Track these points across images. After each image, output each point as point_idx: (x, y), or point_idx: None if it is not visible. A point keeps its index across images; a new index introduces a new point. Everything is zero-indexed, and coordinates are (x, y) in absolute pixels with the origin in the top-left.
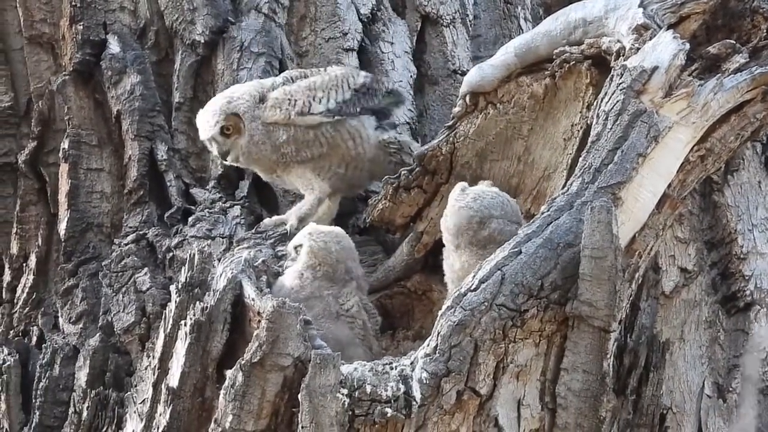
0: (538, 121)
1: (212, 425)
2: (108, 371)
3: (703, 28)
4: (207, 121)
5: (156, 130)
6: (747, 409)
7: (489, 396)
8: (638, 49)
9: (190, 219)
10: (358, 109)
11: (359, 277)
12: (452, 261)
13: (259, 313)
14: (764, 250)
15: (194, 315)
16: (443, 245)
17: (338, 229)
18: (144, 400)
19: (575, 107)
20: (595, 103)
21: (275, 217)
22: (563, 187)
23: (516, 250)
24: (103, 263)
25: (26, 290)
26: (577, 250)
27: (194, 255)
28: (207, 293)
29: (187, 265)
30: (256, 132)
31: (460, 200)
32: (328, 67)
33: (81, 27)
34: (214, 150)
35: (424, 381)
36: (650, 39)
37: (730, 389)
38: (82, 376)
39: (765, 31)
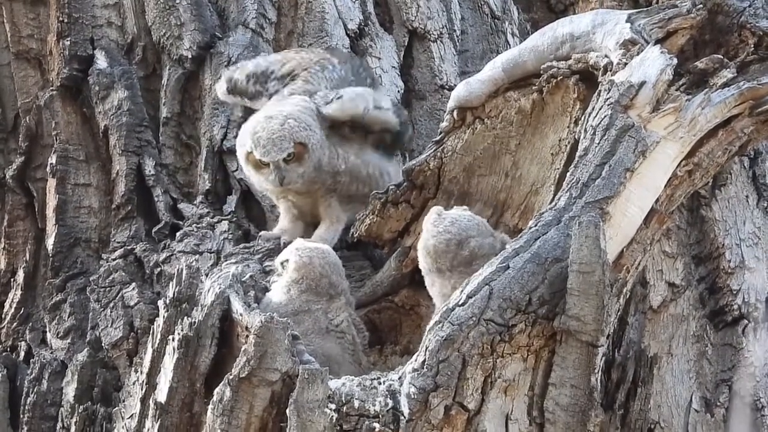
0: (526, 136)
1: None
2: (96, 386)
3: (690, 43)
4: (275, 145)
5: (143, 145)
6: (738, 427)
7: (477, 411)
8: (626, 64)
9: (177, 234)
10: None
11: (345, 291)
12: (439, 287)
13: (247, 328)
14: (752, 264)
15: (182, 330)
16: None
17: (325, 246)
18: (132, 415)
19: (563, 122)
20: (582, 118)
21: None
22: (551, 202)
23: (504, 265)
24: (91, 278)
25: (14, 305)
26: (564, 265)
27: (182, 270)
28: (195, 308)
29: (174, 280)
30: (323, 156)
31: (438, 225)
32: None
33: (68, 42)
34: (271, 175)
35: (412, 396)
36: (638, 54)
37: (718, 404)
38: (70, 391)
39: (752, 46)
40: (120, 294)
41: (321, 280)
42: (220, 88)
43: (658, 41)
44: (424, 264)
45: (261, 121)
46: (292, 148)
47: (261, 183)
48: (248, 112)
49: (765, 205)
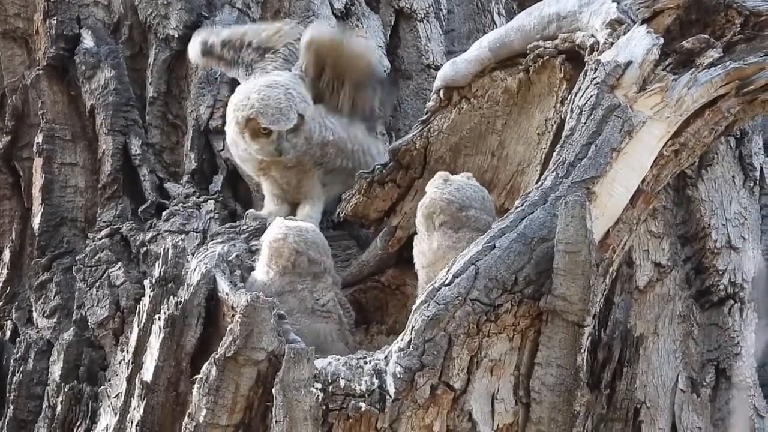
0: (512, 116)
1: (186, 419)
2: (82, 365)
3: (677, 23)
4: (283, 114)
5: (130, 125)
6: (739, 416)
7: (463, 390)
8: (612, 43)
9: (164, 213)
10: None
11: (330, 270)
12: (423, 246)
13: (233, 307)
14: (738, 244)
15: (168, 309)
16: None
17: (305, 224)
18: (118, 394)
19: (549, 102)
20: (568, 98)
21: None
22: (537, 182)
23: (490, 244)
24: (77, 258)
25: (0, 285)
26: (551, 245)
27: (168, 249)
28: (181, 288)
29: (161, 259)
30: (314, 127)
31: (442, 188)
32: None
33: (55, 22)
34: (271, 145)
35: (398, 375)
36: (624, 34)
37: (704, 383)
38: (56, 371)
39: (739, 26)
40: (106, 273)
41: (297, 259)
42: (194, 50)
43: (644, 21)
44: (418, 221)
45: (264, 90)
46: (296, 119)
47: (247, 158)
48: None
49: (751, 185)
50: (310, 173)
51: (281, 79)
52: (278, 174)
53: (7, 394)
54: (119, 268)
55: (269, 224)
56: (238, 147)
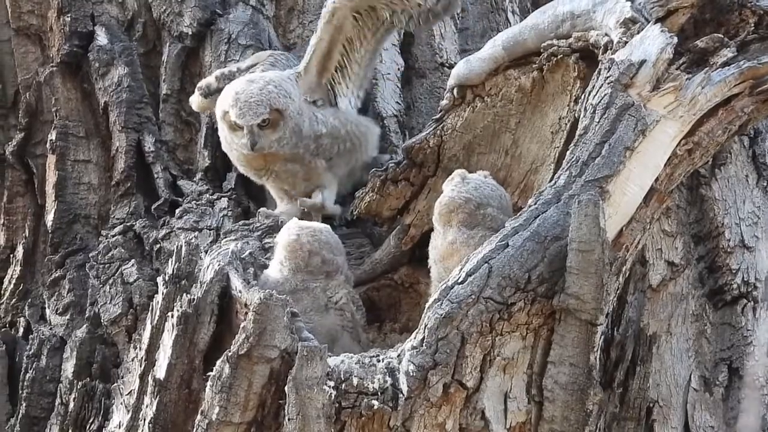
0: (526, 115)
1: (199, 417)
2: (95, 362)
3: (690, 22)
4: (251, 109)
5: (143, 122)
6: (749, 415)
7: (476, 389)
8: (626, 42)
9: (177, 211)
10: None
11: (344, 269)
12: (438, 241)
13: (246, 305)
14: (751, 243)
15: (181, 307)
16: (430, 238)
17: (319, 224)
18: (131, 391)
19: (563, 100)
20: (582, 97)
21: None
22: (550, 181)
23: (503, 243)
24: (90, 255)
25: (13, 281)
26: (564, 244)
27: (181, 247)
28: (194, 285)
29: (174, 256)
30: (302, 122)
31: (460, 186)
32: None
33: (69, 18)
34: (244, 138)
35: (411, 373)
36: (638, 33)
37: (717, 382)
38: (68, 367)
39: (753, 25)
40: (119, 270)
41: (311, 259)
42: (195, 101)
43: (658, 20)
44: (435, 219)
45: (242, 84)
46: (267, 114)
47: (241, 160)
48: None
49: (764, 184)
50: (311, 164)
51: (267, 74)
52: (280, 169)
53: (20, 391)
54: (132, 266)
55: (282, 223)
56: (229, 145)
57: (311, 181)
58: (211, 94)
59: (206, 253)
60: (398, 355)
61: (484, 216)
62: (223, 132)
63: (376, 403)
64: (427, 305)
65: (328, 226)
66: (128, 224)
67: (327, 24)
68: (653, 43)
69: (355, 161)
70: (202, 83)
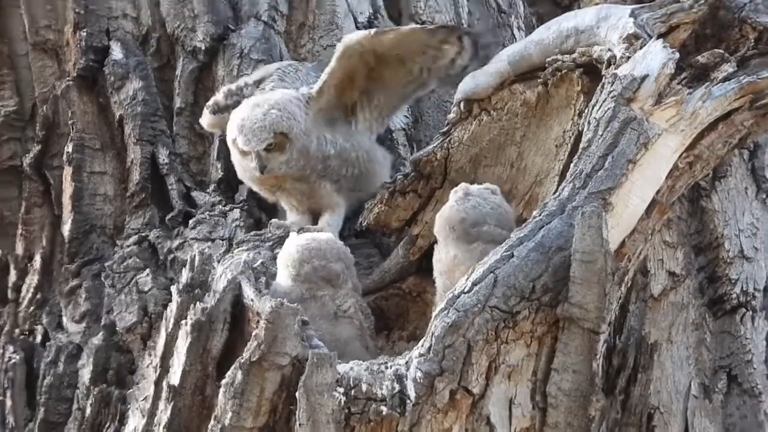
0: (531, 128)
1: (212, 422)
2: (110, 369)
3: (692, 37)
4: (255, 135)
5: (158, 135)
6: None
7: (481, 395)
8: (629, 57)
9: (190, 221)
10: None
11: (352, 278)
12: (441, 254)
13: (257, 313)
14: (750, 254)
15: (195, 315)
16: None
17: (325, 235)
18: (146, 397)
19: (567, 114)
20: (586, 111)
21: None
22: (555, 193)
23: (508, 253)
24: (106, 264)
25: (31, 290)
26: (568, 254)
27: (195, 257)
28: (207, 294)
29: (187, 266)
30: (309, 143)
31: (458, 205)
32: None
33: (85, 33)
34: (252, 162)
35: (419, 380)
36: (640, 48)
37: (716, 390)
38: (85, 374)
39: (753, 41)
40: (134, 279)
41: (301, 268)
42: (206, 119)
43: (660, 36)
44: (436, 231)
45: (247, 110)
46: (271, 138)
47: (251, 179)
48: None
49: (763, 196)
50: (317, 184)
51: (272, 96)
52: (290, 186)
53: (38, 397)
54: (147, 275)
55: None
56: (242, 168)
57: (318, 200)
58: (220, 111)
59: (219, 262)
60: (406, 363)
61: (479, 233)
62: (235, 156)
63: (384, 408)
64: (434, 314)
65: (330, 235)
66: (143, 234)
67: (339, 59)
68: (655, 58)
69: (361, 189)
70: (211, 101)
